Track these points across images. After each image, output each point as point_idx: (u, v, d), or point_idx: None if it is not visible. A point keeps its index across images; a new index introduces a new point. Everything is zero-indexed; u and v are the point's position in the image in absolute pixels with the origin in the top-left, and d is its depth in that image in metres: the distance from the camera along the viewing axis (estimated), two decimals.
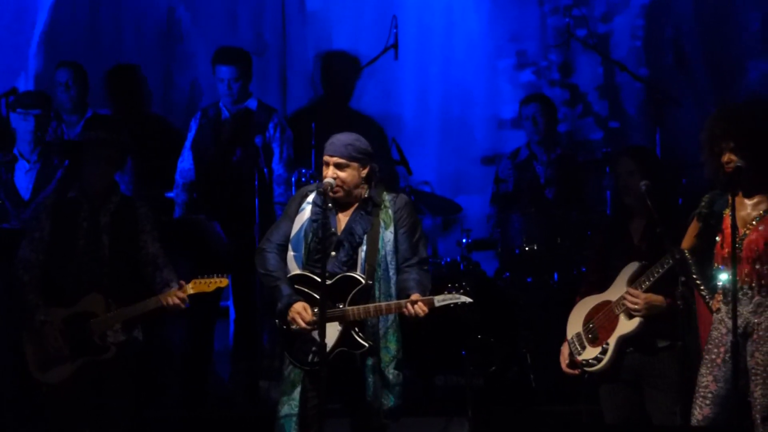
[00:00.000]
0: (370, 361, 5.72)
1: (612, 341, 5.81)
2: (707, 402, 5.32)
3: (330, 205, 5.76)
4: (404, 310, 5.62)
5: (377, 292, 5.72)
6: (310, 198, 5.85)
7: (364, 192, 5.82)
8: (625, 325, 5.78)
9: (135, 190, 7.85)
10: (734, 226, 5.20)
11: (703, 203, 5.48)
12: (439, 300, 5.65)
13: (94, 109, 8.33)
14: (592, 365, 5.85)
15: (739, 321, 5.23)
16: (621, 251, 5.92)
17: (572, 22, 9.10)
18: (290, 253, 5.81)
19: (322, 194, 5.74)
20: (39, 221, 6.29)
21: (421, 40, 9.39)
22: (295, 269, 5.78)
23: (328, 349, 5.61)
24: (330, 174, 5.74)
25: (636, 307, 5.73)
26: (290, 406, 5.72)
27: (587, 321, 5.91)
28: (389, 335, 5.75)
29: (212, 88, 8.44)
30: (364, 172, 5.80)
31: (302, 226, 5.81)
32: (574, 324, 5.96)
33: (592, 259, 6.16)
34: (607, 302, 5.86)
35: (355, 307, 5.67)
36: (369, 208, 5.81)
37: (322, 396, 5.57)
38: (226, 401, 7.87)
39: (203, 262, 7.45)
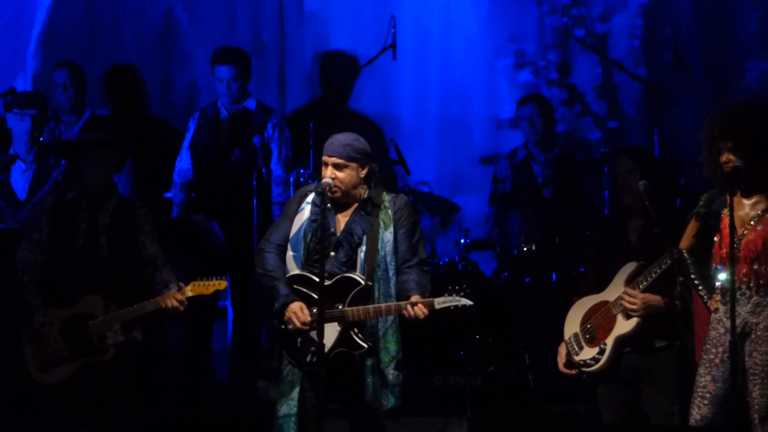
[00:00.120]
0: (369, 362, 5.71)
1: (610, 341, 5.80)
2: (705, 402, 5.32)
3: (329, 205, 5.76)
4: (404, 312, 5.61)
5: (377, 293, 5.71)
6: (310, 198, 5.83)
7: (364, 192, 5.81)
8: (623, 325, 5.77)
9: (133, 190, 7.84)
10: (732, 226, 5.19)
11: (701, 203, 5.47)
12: (440, 302, 5.63)
13: (93, 109, 8.30)
14: (590, 365, 5.84)
15: (738, 321, 5.22)
16: (619, 251, 5.91)
17: (570, 21, 9.09)
18: (289, 254, 5.79)
19: (321, 194, 5.73)
20: (38, 222, 6.27)
21: (420, 40, 9.38)
22: (294, 269, 5.77)
23: (327, 350, 5.59)
24: (328, 174, 5.73)
25: (633, 307, 5.73)
26: (289, 406, 5.70)
27: (585, 321, 5.91)
28: (389, 336, 5.74)
29: (211, 88, 8.42)
30: (363, 173, 5.79)
31: (301, 226, 5.79)
32: (572, 324, 5.95)
33: (590, 259, 6.15)
34: (605, 302, 5.85)
35: (354, 308, 5.65)
36: (368, 208, 5.79)
37: (320, 396, 5.57)
38: (225, 401, 7.86)
39: (201, 262, 7.48)
